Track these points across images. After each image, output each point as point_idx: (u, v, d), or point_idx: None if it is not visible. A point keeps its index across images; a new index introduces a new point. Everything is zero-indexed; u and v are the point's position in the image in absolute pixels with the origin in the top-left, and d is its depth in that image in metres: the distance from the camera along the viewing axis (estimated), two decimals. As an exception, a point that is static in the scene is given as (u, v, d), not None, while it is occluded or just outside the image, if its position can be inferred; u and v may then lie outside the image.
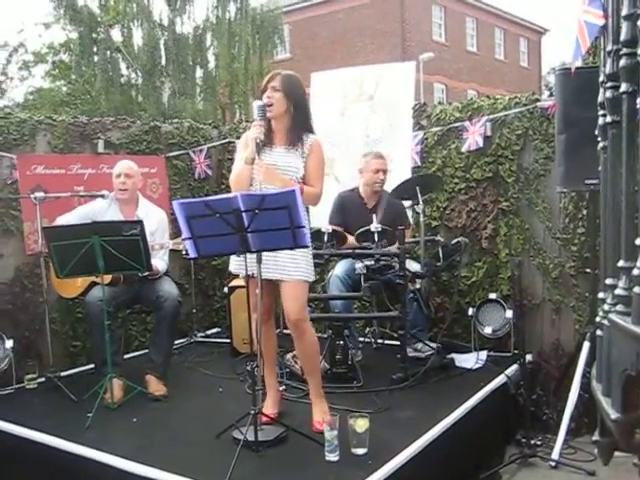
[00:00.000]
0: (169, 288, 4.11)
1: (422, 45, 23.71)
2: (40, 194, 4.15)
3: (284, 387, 3.80)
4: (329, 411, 3.20)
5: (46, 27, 20.00)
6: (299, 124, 3.23)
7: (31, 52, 21.09)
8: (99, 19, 18.30)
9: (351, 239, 4.26)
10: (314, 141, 3.26)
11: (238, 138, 3.52)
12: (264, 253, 2.95)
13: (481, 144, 4.63)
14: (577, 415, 3.78)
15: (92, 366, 4.21)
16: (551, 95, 4.35)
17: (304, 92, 3.30)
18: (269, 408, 3.33)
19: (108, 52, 18.01)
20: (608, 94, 1.69)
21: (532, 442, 3.69)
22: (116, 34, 18.58)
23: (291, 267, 3.11)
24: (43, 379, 4.18)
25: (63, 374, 4.28)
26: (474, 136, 4.64)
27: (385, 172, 4.56)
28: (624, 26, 1.53)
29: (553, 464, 3.58)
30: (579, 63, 3.58)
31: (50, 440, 3.19)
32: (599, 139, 1.88)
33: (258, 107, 3.14)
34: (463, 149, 4.73)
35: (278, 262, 3.10)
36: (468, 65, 26.81)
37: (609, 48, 1.69)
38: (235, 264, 3.25)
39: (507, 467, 3.60)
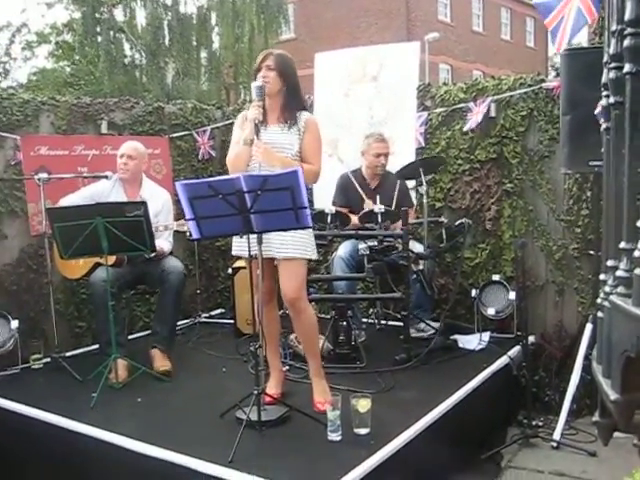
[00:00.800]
0: (174, 262, 4.15)
1: (427, 25, 23.52)
2: (44, 175, 4.14)
3: (287, 367, 3.82)
4: (331, 391, 3.22)
5: (49, 7, 19.80)
6: (293, 102, 3.25)
7: (34, 32, 20.96)
8: (102, -2, 18.15)
9: (354, 220, 4.26)
10: (308, 117, 3.27)
11: (241, 119, 3.51)
12: (262, 232, 2.95)
13: (480, 119, 4.59)
14: (579, 396, 3.80)
15: (97, 346, 4.25)
16: (557, 76, 4.30)
17: (295, 71, 3.31)
18: (272, 388, 3.35)
19: (111, 32, 17.84)
20: (611, 75, 1.67)
21: (534, 423, 3.72)
22: (119, 14, 18.44)
23: (287, 244, 3.12)
24: (48, 359, 4.21)
25: (68, 354, 4.31)
26: (477, 116, 4.60)
27: (387, 156, 4.55)
28: (628, 5, 1.51)
29: (554, 445, 3.60)
30: (585, 36, 3.56)
31: (55, 419, 3.22)
32: (602, 120, 1.87)
33: (256, 88, 3.14)
34: (465, 128, 4.69)
35: (274, 240, 3.10)
36: (474, 45, 26.58)
37: (613, 28, 1.67)
38: (237, 246, 3.26)
39: (509, 447, 3.63)
